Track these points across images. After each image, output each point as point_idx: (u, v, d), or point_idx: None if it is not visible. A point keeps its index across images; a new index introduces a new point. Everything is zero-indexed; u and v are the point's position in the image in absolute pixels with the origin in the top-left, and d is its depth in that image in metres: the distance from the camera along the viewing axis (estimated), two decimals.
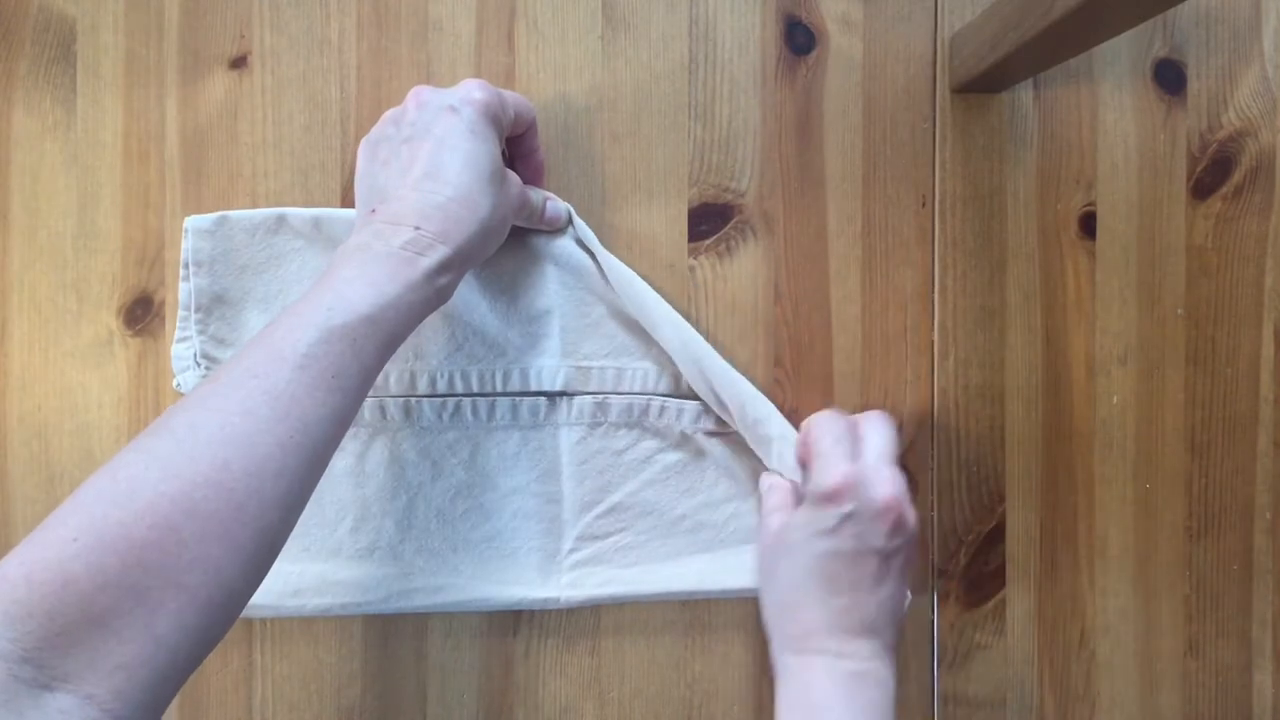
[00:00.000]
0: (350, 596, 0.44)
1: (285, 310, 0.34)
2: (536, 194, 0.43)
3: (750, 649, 0.47)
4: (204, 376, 0.44)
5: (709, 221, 0.47)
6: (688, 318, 0.46)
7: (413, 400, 0.45)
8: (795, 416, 0.47)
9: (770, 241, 0.47)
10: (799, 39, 0.47)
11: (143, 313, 0.46)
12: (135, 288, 0.46)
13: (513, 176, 0.41)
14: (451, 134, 0.38)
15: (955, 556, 0.48)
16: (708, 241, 0.47)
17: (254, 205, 0.46)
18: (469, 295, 0.45)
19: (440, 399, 0.45)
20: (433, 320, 0.44)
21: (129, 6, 0.46)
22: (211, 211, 0.45)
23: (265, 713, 0.46)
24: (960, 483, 0.48)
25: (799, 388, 0.47)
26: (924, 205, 0.47)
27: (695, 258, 0.47)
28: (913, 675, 0.48)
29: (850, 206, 0.47)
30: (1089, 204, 0.48)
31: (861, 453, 0.40)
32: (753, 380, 0.45)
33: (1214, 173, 0.49)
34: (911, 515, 0.39)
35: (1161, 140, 0.48)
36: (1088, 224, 0.48)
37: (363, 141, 0.41)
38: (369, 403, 0.45)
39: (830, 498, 0.38)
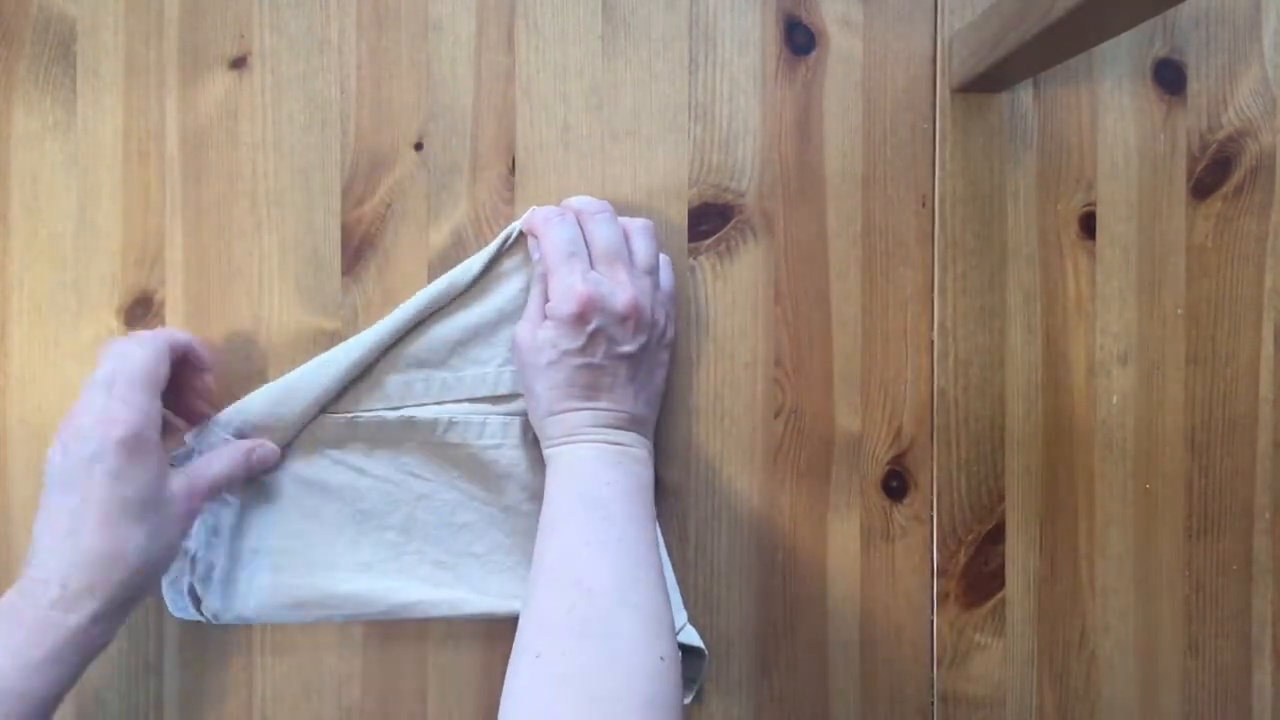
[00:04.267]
0: (351, 609, 0.44)
1: None
2: (222, 459, 0.41)
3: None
4: None
5: (709, 221, 0.47)
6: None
7: (412, 413, 0.45)
8: (795, 417, 0.47)
9: (770, 241, 0.47)
10: (799, 39, 0.47)
11: (143, 312, 0.46)
12: (135, 288, 0.46)
13: (176, 489, 0.39)
14: (96, 490, 0.37)
15: (955, 556, 0.47)
16: (708, 241, 0.47)
17: (254, 205, 0.46)
18: (463, 298, 0.45)
19: (445, 415, 0.45)
20: (429, 323, 0.45)
21: (129, 6, 0.46)
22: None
23: (265, 713, 0.46)
24: (960, 483, 0.48)
25: (799, 388, 0.47)
26: (924, 205, 0.47)
27: (695, 258, 0.47)
28: (913, 675, 0.48)
29: (850, 206, 0.47)
30: (1089, 204, 0.48)
31: (591, 255, 0.42)
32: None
33: (1214, 173, 0.49)
34: (654, 306, 0.42)
35: (1161, 140, 0.48)
36: (1088, 224, 0.48)
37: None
38: (366, 417, 0.44)
39: (574, 321, 0.40)
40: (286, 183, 0.46)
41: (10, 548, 0.46)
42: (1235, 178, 0.49)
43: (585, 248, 0.42)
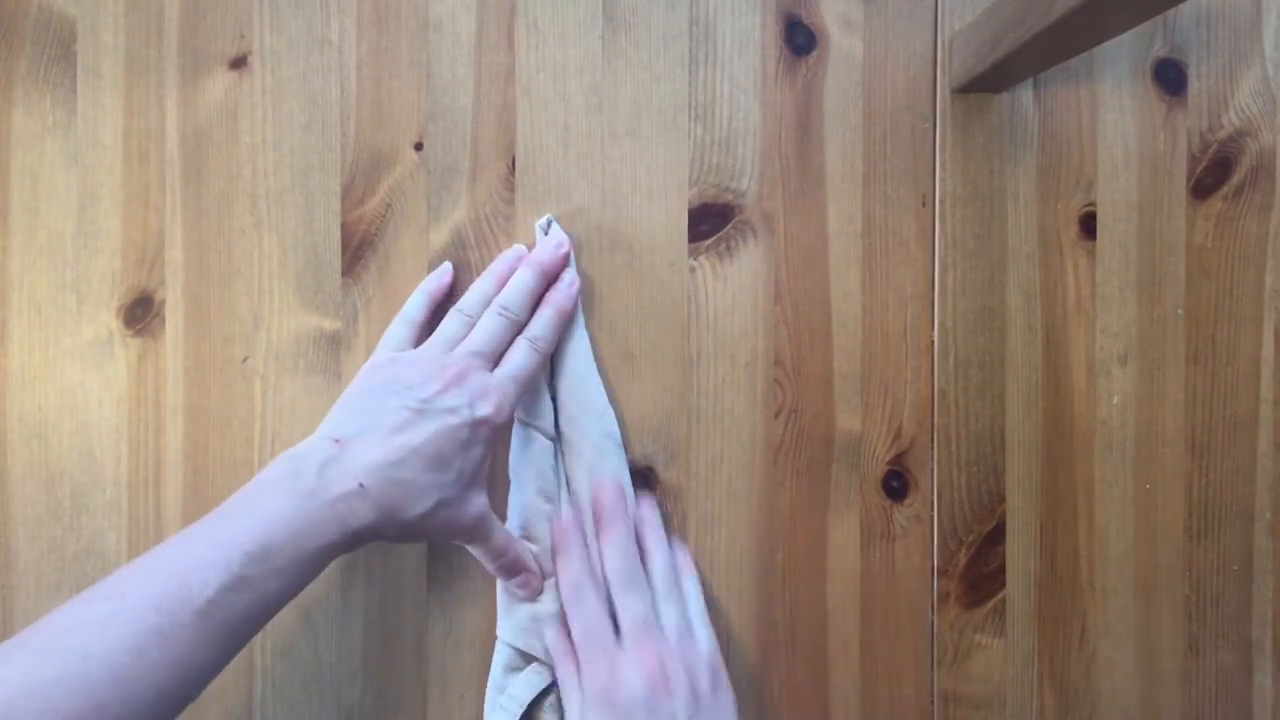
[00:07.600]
0: None
1: (207, 523, 0.35)
2: (509, 539, 0.43)
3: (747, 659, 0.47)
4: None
5: (709, 221, 0.47)
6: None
7: None
8: (795, 417, 0.47)
9: (770, 241, 0.47)
10: (799, 39, 0.47)
11: (143, 313, 0.46)
12: (135, 288, 0.46)
13: (480, 507, 0.41)
14: (458, 438, 0.39)
15: (955, 556, 0.47)
16: (708, 241, 0.47)
17: (254, 205, 0.46)
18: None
19: None
20: None
21: (129, 6, 0.46)
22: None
23: (265, 713, 0.46)
24: (960, 483, 0.48)
25: (799, 388, 0.47)
26: (924, 205, 0.47)
27: (695, 258, 0.47)
28: (912, 675, 0.48)
29: (850, 206, 0.47)
30: (1089, 204, 0.48)
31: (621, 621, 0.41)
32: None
33: (1214, 173, 0.49)
34: (693, 671, 0.40)
35: (1161, 140, 0.48)
36: (1088, 224, 0.48)
37: (367, 366, 0.41)
38: None
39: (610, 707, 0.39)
40: (286, 182, 0.46)
41: (10, 547, 0.46)
42: (1235, 178, 0.49)
43: (601, 576, 0.42)
